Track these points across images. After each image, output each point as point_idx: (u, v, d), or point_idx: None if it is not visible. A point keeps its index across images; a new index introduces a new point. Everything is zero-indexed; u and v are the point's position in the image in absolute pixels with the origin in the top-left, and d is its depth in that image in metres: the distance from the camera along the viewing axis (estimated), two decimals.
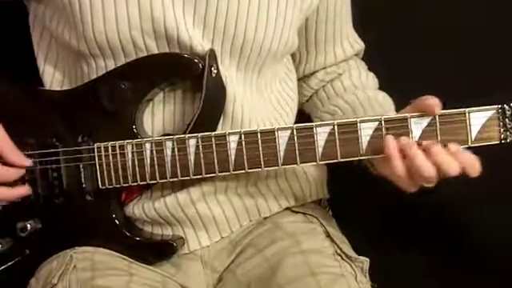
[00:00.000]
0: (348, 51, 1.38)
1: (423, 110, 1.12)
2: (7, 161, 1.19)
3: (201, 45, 1.17)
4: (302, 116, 1.39)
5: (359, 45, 1.39)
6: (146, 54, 1.18)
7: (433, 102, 1.11)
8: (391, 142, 1.11)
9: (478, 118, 1.11)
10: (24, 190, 1.21)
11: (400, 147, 1.10)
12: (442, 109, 1.11)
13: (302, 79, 1.39)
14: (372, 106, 1.28)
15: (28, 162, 1.20)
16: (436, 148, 1.10)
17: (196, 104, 1.19)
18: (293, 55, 1.36)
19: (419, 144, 1.11)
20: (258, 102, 1.26)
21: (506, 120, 1.10)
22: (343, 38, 1.37)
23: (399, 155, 1.10)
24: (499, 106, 1.11)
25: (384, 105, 1.29)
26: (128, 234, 1.22)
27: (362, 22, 1.39)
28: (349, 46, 1.38)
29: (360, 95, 1.31)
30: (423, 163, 1.09)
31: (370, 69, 1.40)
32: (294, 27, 1.25)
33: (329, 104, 1.34)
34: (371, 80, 1.37)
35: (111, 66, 1.20)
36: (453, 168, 1.10)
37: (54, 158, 1.20)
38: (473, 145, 1.11)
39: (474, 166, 1.10)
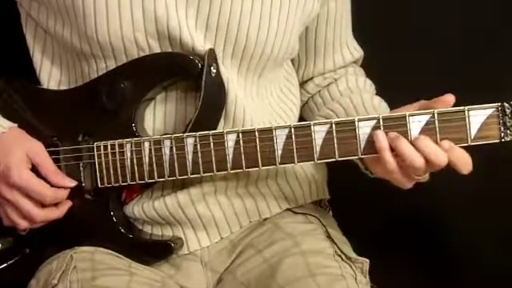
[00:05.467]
0: (347, 58, 1.38)
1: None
2: (50, 182, 1.18)
3: (203, 46, 1.18)
4: (303, 120, 1.39)
5: (358, 52, 1.40)
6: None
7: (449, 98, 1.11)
8: (381, 136, 1.10)
9: (478, 116, 1.09)
10: (67, 206, 1.20)
11: (389, 141, 1.10)
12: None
13: (300, 84, 1.39)
14: (366, 109, 1.27)
15: (72, 183, 1.20)
16: (424, 140, 1.09)
17: (196, 104, 1.18)
18: (292, 61, 1.36)
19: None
20: (259, 105, 1.26)
21: (506, 118, 1.09)
22: (343, 45, 1.37)
23: (389, 148, 1.10)
24: (499, 104, 1.09)
25: (378, 108, 1.28)
26: (127, 233, 1.22)
27: (359, 23, 1.39)
28: (348, 53, 1.38)
29: (354, 98, 1.31)
30: (412, 153, 1.09)
31: (366, 70, 1.40)
32: (296, 33, 1.25)
33: (324, 108, 1.34)
34: (368, 86, 1.37)
35: (112, 66, 1.20)
36: (440, 158, 1.09)
37: (54, 156, 1.21)
38: (472, 143, 1.10)
39: (466, 162, 1.10)
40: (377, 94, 1.36)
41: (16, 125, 1.22)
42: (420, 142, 1.09)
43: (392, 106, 1.27)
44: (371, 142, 1.11)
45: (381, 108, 1.29)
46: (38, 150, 1.19)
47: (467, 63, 1.55)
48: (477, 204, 1.56)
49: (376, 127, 1.11)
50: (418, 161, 1.09)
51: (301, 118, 1.38)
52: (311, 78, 1.39)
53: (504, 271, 1.56)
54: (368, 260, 1.21)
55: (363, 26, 1.39)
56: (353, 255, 1.22)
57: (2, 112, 1.23)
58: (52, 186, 1.19)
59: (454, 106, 1.10)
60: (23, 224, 1.19)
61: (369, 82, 1.39)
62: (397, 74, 1.54)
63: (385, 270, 1.26)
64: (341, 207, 1.37)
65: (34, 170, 1.19)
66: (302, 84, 1.40)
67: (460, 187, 1.39)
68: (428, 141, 1.09)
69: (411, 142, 1.10)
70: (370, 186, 1.25)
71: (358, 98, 1.31)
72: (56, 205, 1.20)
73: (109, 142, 1.19)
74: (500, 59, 1.53)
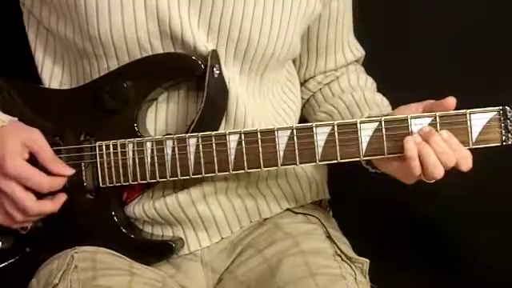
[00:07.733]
0: (348, 57, 1.38)
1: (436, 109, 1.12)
2: (48, 170, 1.17)
3: (205, 46, 1.18)
4: (304, 121, 1.39)
5: (359, 52, 1.40)
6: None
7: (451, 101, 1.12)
8: (412, 143, 1.11)
9: (479, 120, 1.10)
10: (62, 199, 1.19)
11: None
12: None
13: (301, 83, 1.40)
14: (368, 105, 1.28)
15: (71, 171, 1.19)
16: (435, 137, 1.10)
17: (198, 104, 1.19)
18: (293, 60, 1.37)
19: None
20: (261, 105, 1.27)
21: (508, 121, 1.10)
22: (344, 44, 1.37)
23: (417, 156, 1.11)
24: (500, 108, 1.10)
25: (380, 104, 1.29)
26: (128, 233, 1.22)
27: (359, 23, 1.39)
28: (349, 52, 1.38)
29: (356, 95, 1.31)
30: (436, 163, 1.10)
31: (366, 70, 1.40)
32: (298, 33, 1.26)
33: (325, 104, 1.35)
34: (369, 83, 1.38)
35: (114, 67, 1.20)
36: (450, 159, 1.10)
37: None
38: (473, 146, 1.11)
39: (467, 158, 1.11)
40: None
41: (16, 119, 1.21)
42: (432, 139, 1.10)
43: (392, 106, 1.27)
44: (373, 144, 1.12)
45: (383, 105, 1.29)
46: (35, 138, 1.18)
47: (467, 63, 1.56)
48: (477, 204, 1.57)
49: (378, 129, 1.12)
50: (439, 171, 1.10)
51: (301, 117, 1.38)
52: (313, 77, 1.39)
53: (504, 271, 1.57)
54: (368, 260, 1.21)
55: (363, 25, 1.39)
56: (353, 255, 1.22)
57: (4, 111, 1.22)
58: (50, 174, 1.17)
59: (456, 109, 1.11)
60: (18, 217, 1.17)
61: (370, 79, 1.39)
62: (397, 73, 1.55)
63: (385, 269, 1.27)
64: (341, 207, 1.37)
65: (34, 160, 1.17)
66: (304, 82, 1.40)
67: (460, 187, 1.39)
68: (437, 137, 1.10)
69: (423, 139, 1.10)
70: (370, 185, 1.26)
71: (359, 94, 1.31)
72: (52, 198, 1.19)
73: (111, 142, 1.19)
74: (500, 59, 1.54)
